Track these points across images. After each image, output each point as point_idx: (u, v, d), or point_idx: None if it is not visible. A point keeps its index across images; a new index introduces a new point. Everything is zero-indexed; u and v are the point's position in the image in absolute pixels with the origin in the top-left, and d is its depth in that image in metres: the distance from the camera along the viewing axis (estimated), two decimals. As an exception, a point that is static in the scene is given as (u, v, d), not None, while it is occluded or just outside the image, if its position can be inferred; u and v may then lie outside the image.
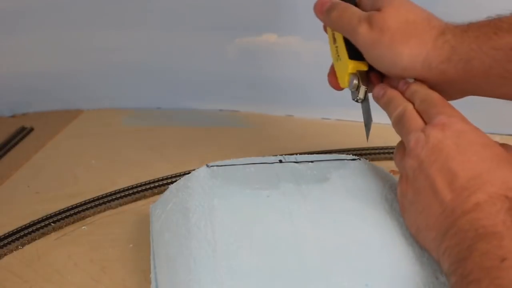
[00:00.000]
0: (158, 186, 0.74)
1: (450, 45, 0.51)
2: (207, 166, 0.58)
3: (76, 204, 0.71)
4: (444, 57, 0.51)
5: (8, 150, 0.87)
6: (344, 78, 0.57)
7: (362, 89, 0.55)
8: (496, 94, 0.54)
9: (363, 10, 0.56)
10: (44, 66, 0.95)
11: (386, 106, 0.54)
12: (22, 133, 0.91)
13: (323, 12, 0.59)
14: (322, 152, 0.74)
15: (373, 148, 0.79)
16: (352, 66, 0.56)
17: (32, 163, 0.84)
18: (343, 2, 0.58)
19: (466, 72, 0.51)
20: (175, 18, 0.92)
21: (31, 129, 0.92)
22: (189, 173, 0.58)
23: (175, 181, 0.59)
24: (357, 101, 0.56)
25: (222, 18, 0.91)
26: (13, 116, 0.98)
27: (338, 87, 0.59)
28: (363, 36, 0.54)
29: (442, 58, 0.52)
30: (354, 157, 0.60)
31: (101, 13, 0.93)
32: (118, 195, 0.72)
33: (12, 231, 0.66)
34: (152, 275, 0.54)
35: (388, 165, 0.63)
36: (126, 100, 0.98)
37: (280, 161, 0.59)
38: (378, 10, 0.54)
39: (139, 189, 0.74)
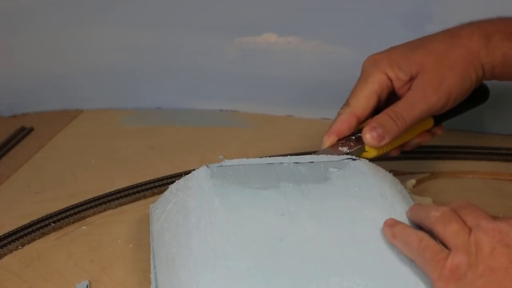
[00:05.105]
0: (158, 186, 0.74)
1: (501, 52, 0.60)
2: (207, 166, 0.58)
3: (76, 204, 0.71)
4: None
5: (8, 150, 0.86)
6: None
7: None
8: None
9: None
10: (44, 66, 0.95)
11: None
12: (22, 133, 0.91)
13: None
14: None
15: (373, 148, 0.79)
16: None
17: (32, 163, 0.84)
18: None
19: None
20: (175, 18, 0.92)
21: (31, 129, 0.92)
22: (189, 173, 0.58)
23: (175, 181, 0.59)
24: None
25: (222, 18, 0.91)
26: (13, 116, 0.97)
27: None
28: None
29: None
30: (354, 157, 0.59)
31: (101, 13, 0.93)
32: (118, 195, 0.72)
33: (12, 231, 0.66)
34: (152, 275, 0.54)
35: (388, 165, 0.63)
36: (126, 100, 0.97)
37: (280, 162, 0.59)
38: None
39: (139, 189, 0.74)
